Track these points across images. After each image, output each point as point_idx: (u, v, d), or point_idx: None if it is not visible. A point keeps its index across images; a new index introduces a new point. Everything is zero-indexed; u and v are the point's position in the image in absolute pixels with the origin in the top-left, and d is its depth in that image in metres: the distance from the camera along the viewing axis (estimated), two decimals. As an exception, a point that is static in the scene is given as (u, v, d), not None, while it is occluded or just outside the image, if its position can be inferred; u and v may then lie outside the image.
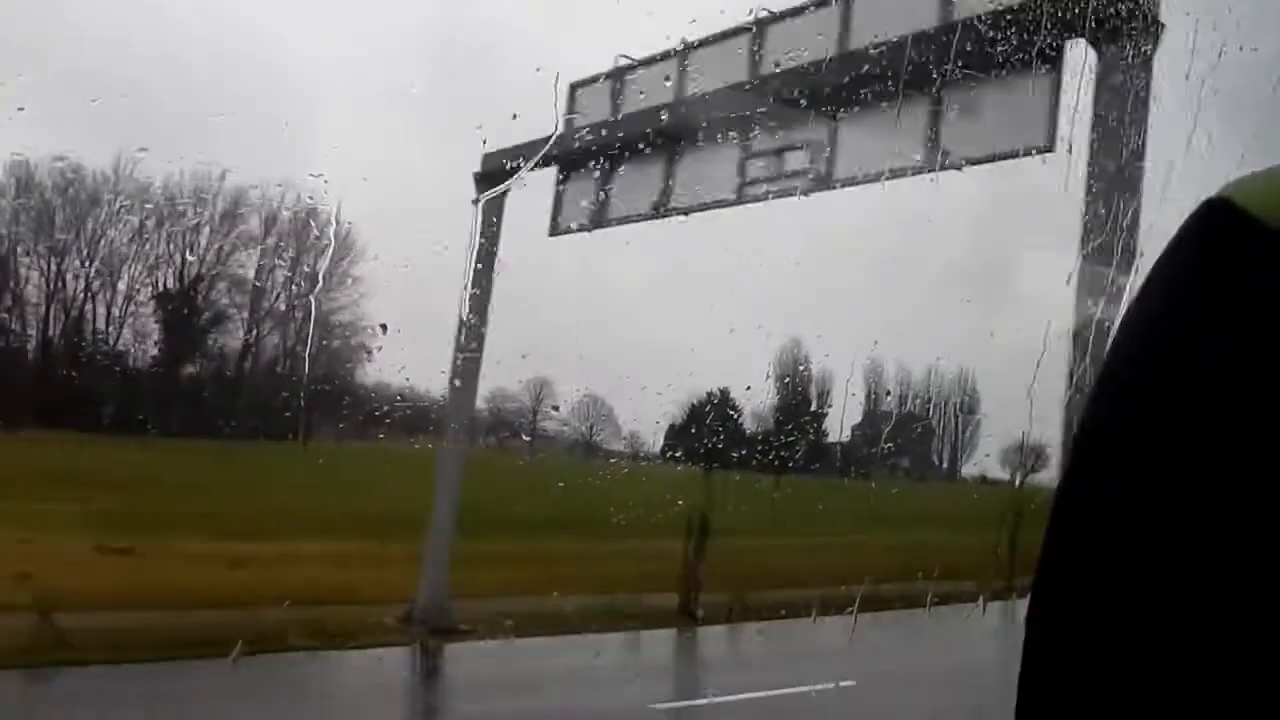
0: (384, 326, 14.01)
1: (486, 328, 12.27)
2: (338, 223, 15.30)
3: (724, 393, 23.71)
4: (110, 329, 22.52)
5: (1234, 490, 0.75)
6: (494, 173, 12.07)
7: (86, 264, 21.79)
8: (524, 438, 25.93)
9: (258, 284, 23.52)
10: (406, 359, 13.13)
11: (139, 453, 18.01)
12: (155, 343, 22.80)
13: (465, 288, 12.71)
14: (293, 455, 18.37)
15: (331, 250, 17.26)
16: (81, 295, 21.95)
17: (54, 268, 21.48)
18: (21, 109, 10.78)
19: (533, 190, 11.01)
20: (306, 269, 22.05)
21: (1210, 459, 0.76)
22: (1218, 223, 0.82)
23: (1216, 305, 0.80)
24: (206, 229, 21.43)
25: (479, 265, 12.12)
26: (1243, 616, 0.74)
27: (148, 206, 20.80)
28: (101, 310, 22.23)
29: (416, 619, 12.35)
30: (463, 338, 11.93)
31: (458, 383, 12.25)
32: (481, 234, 11.97)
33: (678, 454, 24.62)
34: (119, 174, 20.59)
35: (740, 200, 10.14)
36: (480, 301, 12.00)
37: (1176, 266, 0.84)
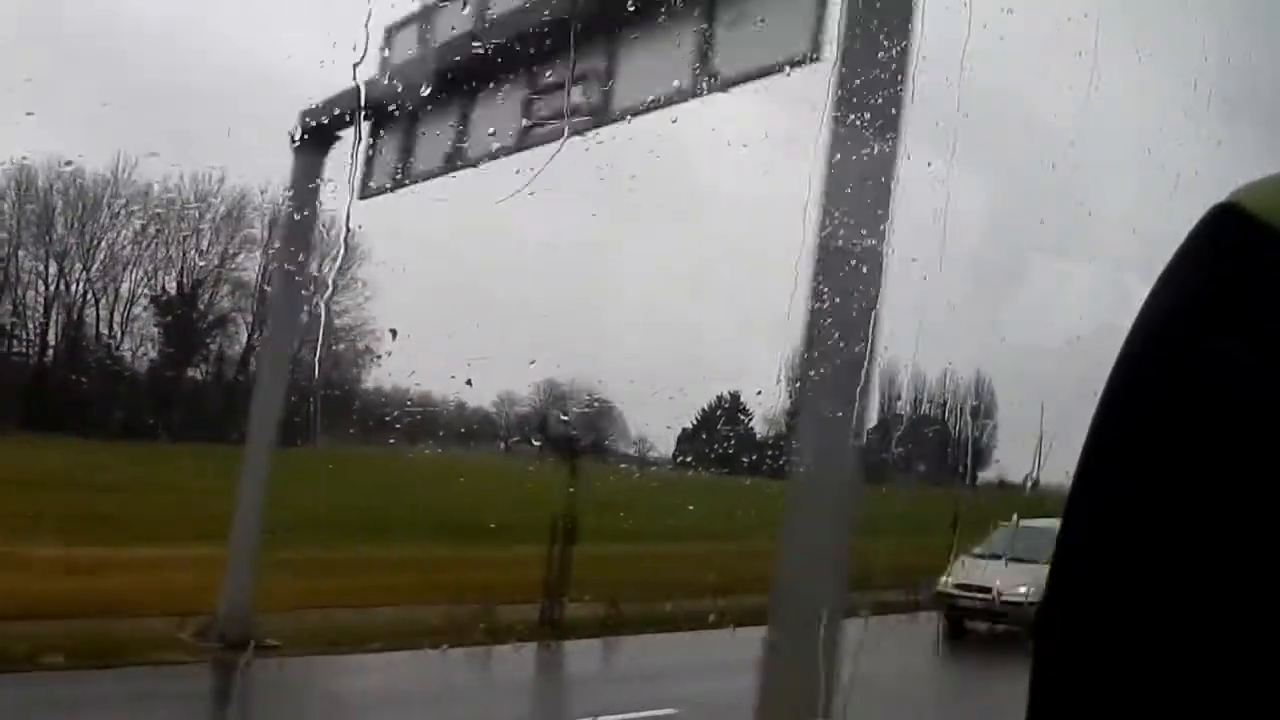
0: (394, 332, 13.22)
1: (303, 309, 11.01)
2: (349, 228, 14.78)
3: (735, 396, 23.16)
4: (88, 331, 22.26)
5: (1238, 496, 0.75)
6: (312, 130, 10.81)
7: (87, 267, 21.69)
8: (533, 442, 25.62)
9: (266, 287, 23.24)
10: (414, 363, 12.97)
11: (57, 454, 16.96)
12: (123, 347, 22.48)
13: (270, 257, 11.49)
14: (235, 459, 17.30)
15: (341, 254, 17.01)
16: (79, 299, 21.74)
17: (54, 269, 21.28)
18: (31, 114, 10.59)
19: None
20: (315, 272, 21.90)
21: (1215, 465, 0.76)
22: (1227, 228, 0.82)
23: (1223, 311, 0.80)
24: (208, 231, 21.25)
25: (291, 231, 10.85)
26: (1248, 621, 0.74)
27: (157, 211, 20.75)
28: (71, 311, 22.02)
29: (215, 633, 10.99)
30: (270, 323, 10.65)
31: (263, 374, 10.92)
32: (294, 197, 10.69)
33: (688, 459, 23.98)
34: (117, 177, 20.72)
35: (526, 145, 8.69)
36: (290, 277, 10.67)
37: (1185, 271, 0.84)
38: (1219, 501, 0.76)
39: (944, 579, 17.87)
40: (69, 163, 20.51)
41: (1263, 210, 0.81)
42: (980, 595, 17.72)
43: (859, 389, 6.04)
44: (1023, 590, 17.47)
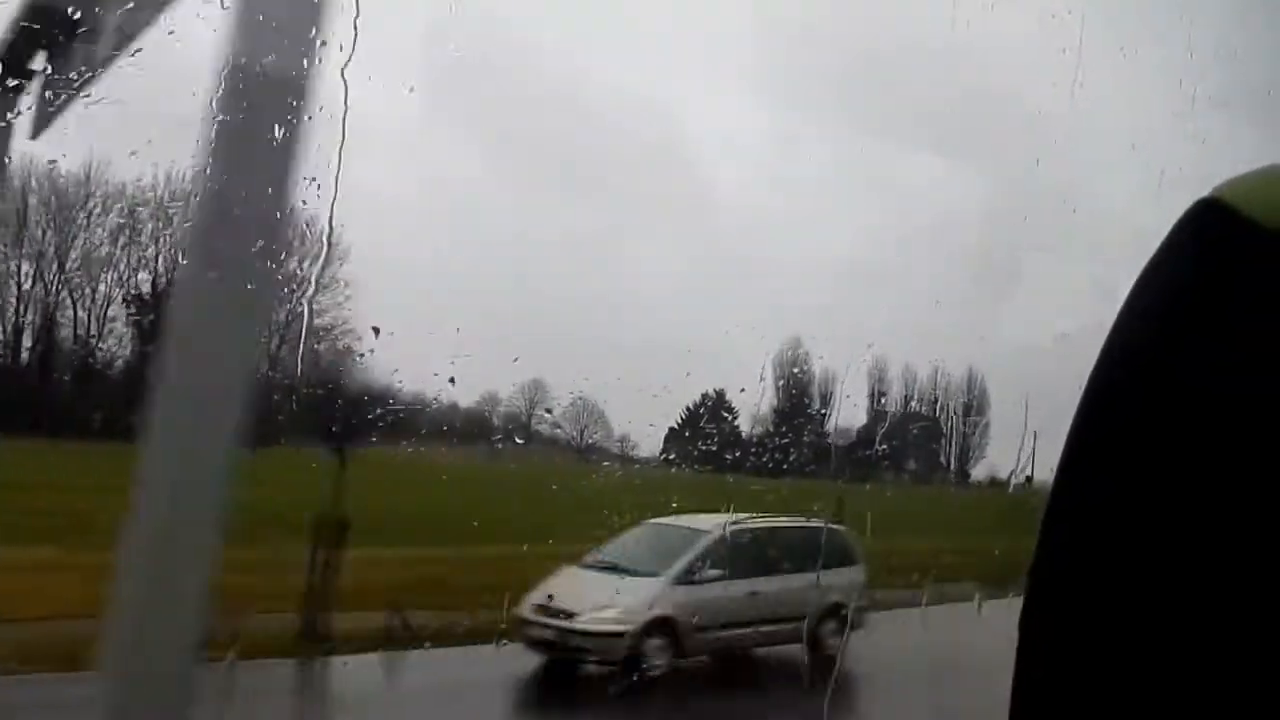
0: (376, 330, 12.58)
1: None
2: (331, 226, 14.27)
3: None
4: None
5: (1218, 495, 0.76)
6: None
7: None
8: (518, 440, 25.48)
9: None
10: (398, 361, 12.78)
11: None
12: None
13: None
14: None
15: (324, 254, 16.46)
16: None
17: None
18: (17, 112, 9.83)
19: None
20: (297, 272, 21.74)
21: (1195, 464, 0.77)
22: (1211, 222, 0.84)
23: (1205, 308, 0.80)
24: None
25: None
26: (1230, 619, 0.75)
27: (136, 207, 21.86)
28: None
29: None
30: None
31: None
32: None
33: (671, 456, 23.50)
34: (90, 176, 21.83)
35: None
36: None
37: (1169, 267, 0.85)
38: (1199, 500, 0.76)
39: (531, 598, 12.97)
40: (52, 161, 20.46)
41: (1245, 205, 0.81)
42: (558, 622, 12.63)
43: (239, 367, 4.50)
44: (609, 615, 12.86)
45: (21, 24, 8.57)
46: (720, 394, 23.99)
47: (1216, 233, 0.82)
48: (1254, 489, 0.74)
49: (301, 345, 21.79)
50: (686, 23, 26.00)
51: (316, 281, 19.27)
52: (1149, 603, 0.77)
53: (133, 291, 22.78)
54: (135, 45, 7.47)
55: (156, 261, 22.70)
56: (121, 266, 22.57)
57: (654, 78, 29.37)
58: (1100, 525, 0.80)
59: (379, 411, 16.39)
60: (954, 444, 26.15)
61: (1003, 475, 23.83)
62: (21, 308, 22.41)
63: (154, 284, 22.71)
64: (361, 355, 18.27)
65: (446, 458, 18.74)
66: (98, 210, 21.99)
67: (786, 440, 23.49)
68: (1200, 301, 0.81)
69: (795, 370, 23.95)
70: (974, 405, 24.94)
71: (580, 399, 24.91)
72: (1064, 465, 0.84)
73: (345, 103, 7.20)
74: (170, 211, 20.88)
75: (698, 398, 24.02)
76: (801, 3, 25.18)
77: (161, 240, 22.29)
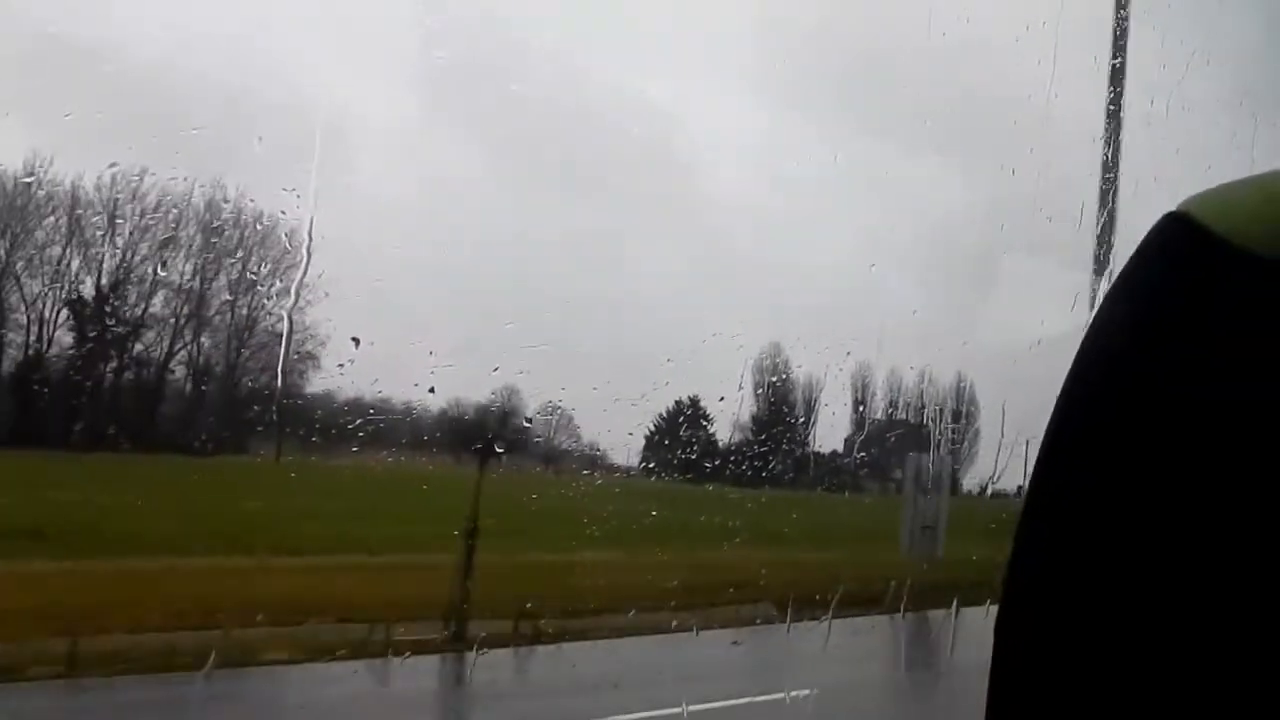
0: (356, 340, 12.35)
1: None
2: (311, 237, 14.20)
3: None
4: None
5: (1192, 497, 0.76)
6: None
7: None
8: (497, 450, 25.19)
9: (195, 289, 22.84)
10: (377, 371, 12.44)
11: None
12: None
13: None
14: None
15: (306, 265, 16.40)
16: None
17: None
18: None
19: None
20: (252, 276, 21.48)
21: (1169, 466, 0.77)
22: (1178, 237, 0.84)
23: (1180, 319, 0.81)
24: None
25: None
26: (1204, 614, 0.74)
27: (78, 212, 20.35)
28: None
29: None
30: None
31: None
32: None
33: (651, 465, 23.18)
34: (36, 175, 20.16)
35: None
36: None
37: (1138, 279, 0.86)
38: (1173, 502, 0.76)
39: None
40: (30, 175, 20.24)
41: (1212, 220, 0.82)
42: None
43: None
44: None
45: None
46: (695, 401, 23.93)
47: (1184, 248, 0.83)
48: (1227, 490, 0.74)
49: (282, 355, 21.93)
50: (686, 23, 25.93)
51: (296, 292, 19.04)
52: (1126, 602, 0.77)
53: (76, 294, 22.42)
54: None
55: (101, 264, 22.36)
56: (67, 274, 22.13)
57: (654, 78, 29.29)
58: (1074, 529, 0.80)
59: (358, 421, 16.30)
60: (941, 451, 25.97)
61: (994, 484, 23.60)
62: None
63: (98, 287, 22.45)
64: (341, 365, 18.28)
65: (427, 467, 18.48)
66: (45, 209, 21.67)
67: (765, 449, 23.29)
68: (1174, 313, 0.81)
69: (773, 379, 23.79)
70: (962, 411, 24.80)
71: (559, 408, 24.77)
72: (1040, 467, 0.84)
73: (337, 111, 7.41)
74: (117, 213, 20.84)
75: (673, 405, 23.96)
76: (801, 3, 25.11)
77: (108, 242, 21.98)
